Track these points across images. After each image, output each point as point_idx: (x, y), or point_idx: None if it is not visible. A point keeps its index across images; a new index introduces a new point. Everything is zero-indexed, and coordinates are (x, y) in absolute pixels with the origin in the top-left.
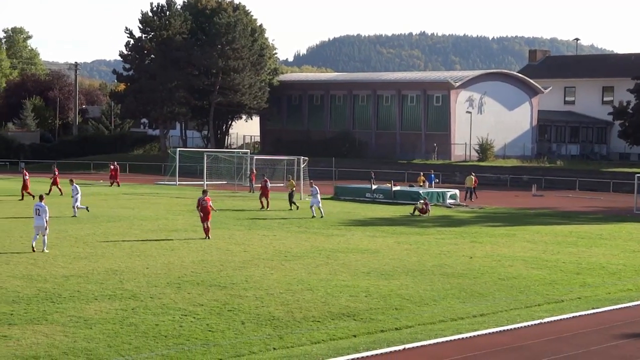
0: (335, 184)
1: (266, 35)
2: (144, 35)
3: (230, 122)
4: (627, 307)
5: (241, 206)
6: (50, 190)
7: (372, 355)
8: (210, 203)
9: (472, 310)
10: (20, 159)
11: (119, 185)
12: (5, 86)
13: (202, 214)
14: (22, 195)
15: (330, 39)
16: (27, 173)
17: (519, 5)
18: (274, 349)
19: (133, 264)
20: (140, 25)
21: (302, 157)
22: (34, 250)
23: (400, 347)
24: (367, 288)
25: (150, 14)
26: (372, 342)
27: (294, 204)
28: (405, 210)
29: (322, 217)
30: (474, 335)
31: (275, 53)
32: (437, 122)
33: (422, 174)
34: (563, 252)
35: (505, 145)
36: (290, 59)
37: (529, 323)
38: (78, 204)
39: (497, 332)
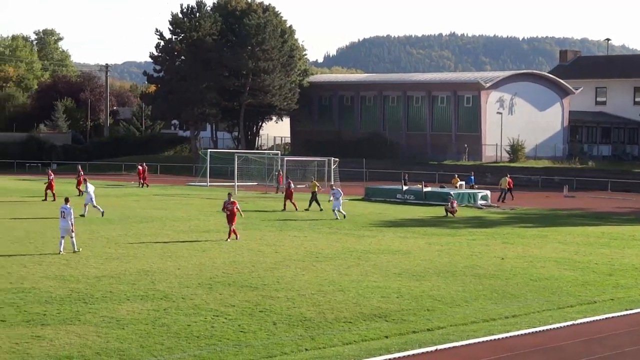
0: (366, 185)
1: (296, 36)
2: (174, 37)
3: (260, 123)
4: None
5: (272, 207)
6: (80, 192)
7: (404, 356)
8: (238, 206)
9: (504, 311)
10: (52, 160)
11: (147, 186)
12: (37, 88)
13: (228, 215)
14: (46, 196)
15: (360, 40)
16: (52, 174)
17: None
18: (306, 349)
19: (165, 264)
20: (170, 27)
21: (333, 158)
22: (60, 253)
23: (432, 348)
24: (399, 289)
25: (180, 15)
26: (403, 343)
27: (318, 204)
28: (436, 211)
29: (337, 218)
30: (506, 337)
31: (305, 54)
32: (468, 123)
33: (456, 175)
34: (595, 253)
35: (536, 146)
36: (320, 60)
37: (562, 324)
38: (93, 202)
39: (529, 333)
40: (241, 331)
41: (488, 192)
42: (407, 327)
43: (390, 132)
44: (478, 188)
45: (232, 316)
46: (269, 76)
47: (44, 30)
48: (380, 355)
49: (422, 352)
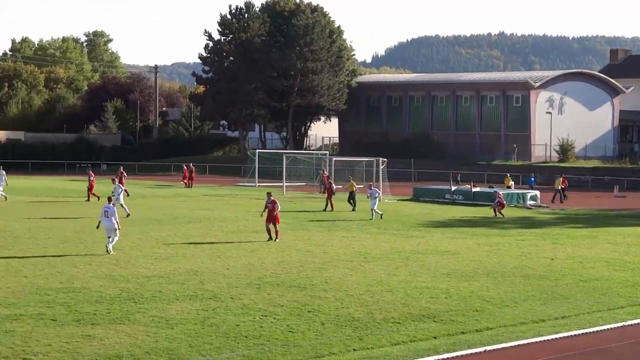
0: (414, 185)
1: (344, 36)
2: (223, 38)
3: (308, 124)
4: None
5: (320, 207)
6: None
7: (452, 357)
8: (277, 205)
9: (554, 312)
10: (101, 161)
11: (190, 187)
12: (87, 89)
13: (269, 216)
14: (89, 197)
15: (409, 40)
16: (92, 174)
17: (600, 4)
18: (354, 350)
19: (214, 264)
20: (219, 28)
21: (381, 159)
22: (108, 252)
23: (481, 349)
24: (447, 289)
25: (229, 16)
26: (452, 344)
27: (351, 203)
28: (485, 211)
29: (374, 217)
30: (556, 338)
31: (354, 54)
32: (517, 122)
33: (508, 175)
34: None
35: (586, 146)
36: (369, 61)
37: (612, 326)
38: (121, 201)
39: (578, 334)
40: (289, 331)
41: (537, 193)
42: (455, 328)
43: (438, 132)
44: (522, 188)
45: (281, 316)
46: (317, 76)
47: (93, 32)
48: (429, 355)
49: (471, 353)
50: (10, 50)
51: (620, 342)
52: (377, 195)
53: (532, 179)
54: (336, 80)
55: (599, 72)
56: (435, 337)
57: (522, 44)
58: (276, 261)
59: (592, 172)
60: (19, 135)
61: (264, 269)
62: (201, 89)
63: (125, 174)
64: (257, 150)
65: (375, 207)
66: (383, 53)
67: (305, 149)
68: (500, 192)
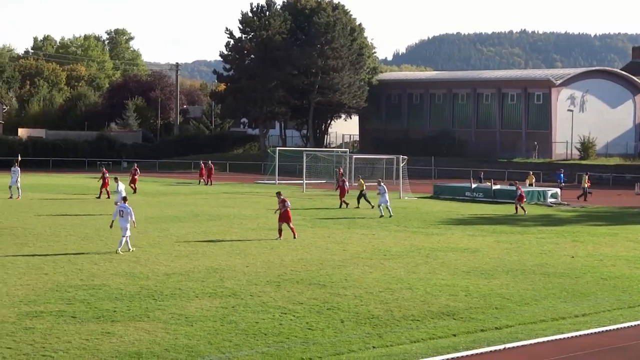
0: (435, 183)
1: (365, 34)
2: (244, 36)
3: (329, 121)
4: None
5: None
6: (134, 189)
7: (472, 354)
8: (287, 203)
9: (574, 310)
10: (122, 158)
11: (205, 184)
12: (108, 87)
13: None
14: (100, 194)
15: (430, 38)
16: (106, 172)
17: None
18: (374, 347)
19: (233, 262)
20: (240, 26)
21: (402, 156)
22: (130, 250)
23: (501, 347)
24: (467, 287)
25: (250, 14)
26: (472, 342)
27: (366, 201)
28: (506, 209)
29: (390, 216)
30: (576, 336)
31: (375, 52)
32: (538, 120)
33: (531, 172)
34: None
35: (607, 144)
36: (390, 58)
37: (632, 323)
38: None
39: (599, 332)
40: (309, 329)
41: (558, 190)
42: (475, 326)
43: (459, 130)
44: (543, 186)
45: (300, 314)
46: (338, 74)
47: (115, 30)
48: (448, 353)
49: (491, 351)
50: (32, 49)
51: None
52: (384, 192)
53: (561, 175)
54: (357, 78)
55: (621, 69)
56: (454, 335)
57: (543, 42)
58: (296, 259)
59: (613, 170)
60: (41, 132)
61: (284, 267)
62: (222, 86)
63: (138, 170)
64: (278, 148)
65: (387, 205)
66: (404, 51)
67: (326, 147)
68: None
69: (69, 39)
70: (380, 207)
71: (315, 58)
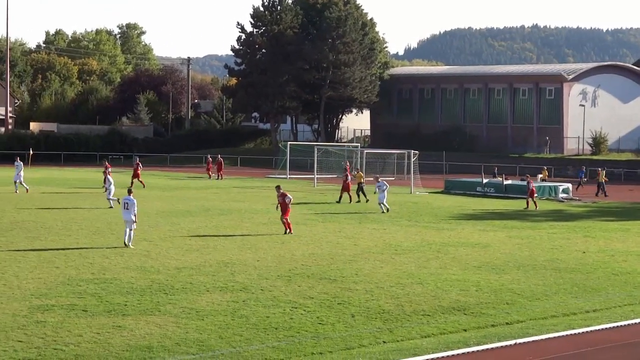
0: (446, 178)
1: (377, 29)
2: (255, 30)
3: (340, 116)
4: None
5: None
6: (135, 182)
7: (482, 349)
8: (288, 198)
9: (585, 305)
10: (133, 152)
11: (210, 178)
12: (119, 81)
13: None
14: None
15: (441, 33)
16: (109, 166)
17: None
18: (384, 342)
19: (244, 256)
20: (251, 20)
21: (413, 151)
22: (126, 245)
23: (512, 342)
24: (478, 282)
25: (261, 8)
26: (482, 337)
27: (364, 195)
28: (517, 204)
29: (382, 212)
30: (587, 331)
31: (386, 47)
32: (550, 115)
33: (545, 168)
34: None
35: (619, 139)
36: (401, 53)
37: None
38: (111, 195)
39: (610, 328)
40: (319, 323)
41: (569, 186)
42: (486, 321)
43: (470, 125)
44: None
45: (311, 308)
46: (349, 69)
47: (127, 24)
48: (459, 348)
49: (501, 346)
50: (44, 43)
51: None
52: (384, 188)
53: (582, 172)
54: (368, 72)
55: (633, 64)
56: (465, 330)
57: (555, 37)
58: (307, 253)
59: (625, 165)
60: (52, 127)
61: (295, 261)
62: (233, 81)
63: (140, 165)
64: (289, 143)
65: (384, 201)
66: (415, 45)
67: (337, 142)
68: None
69: (81, 33)
70: (381, 205)
71: (327, 53)
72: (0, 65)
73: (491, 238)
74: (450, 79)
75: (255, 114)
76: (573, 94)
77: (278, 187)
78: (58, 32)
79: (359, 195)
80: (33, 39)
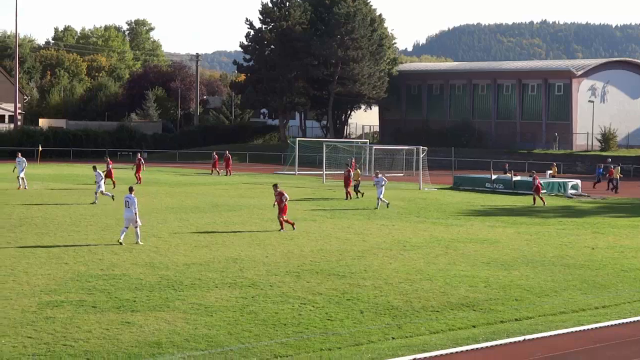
0: (455, 174)
1: (385, 25)
2: (264, 26)
3: (349, 112)
4: None
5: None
6: (139, 180)
7: (491, 346)
8: (284, 197)
9: (594, 301)
10: (142, 149)
11: (226, 174)
12: (128, 77)
13: (278, 207)
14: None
15: (450, 29)
16: (111, 162)
17: None
18: (393, 338)
19: (253, 252)
20: (260, 16)
21: (421, 147)
22: (120, 243)
23: (520, 338)
24: (487, 278)
25: (270, 4)
26: (491, 333)
27: (359, 192)
28: (526, 200)
29: (376, 208)
30: (596, 327)
31: (395, 43)
32: (558, 111)
33: (554, 163)
34: None
35: (628, 135)
36: (410, 49)
37: None
38: (102, 189)
39: (619, 324)
40: (328, 319)
41: (578, 182)
42: (494, 317)
43: (479, 120)
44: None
45: (320, 304)
46: (358, 65)
47: (135, 21)
48: (468, 344)
49: (510, 342)
50: (53, 39)
51: None
52: (383, 183)
53: (601, 170)
54: (377, 68)
55: None
56: (474, 326)
57: (564, 32)
58: (315, 249)
59: (634, 161)
60: (61, 123)
61: (303, 257)
62: (242, 77)
63: (143, 161)
64: (297, 139)
65: (381, 196)
66: (424, 41)
67: (346, 138)
68: (541, 181)
69: (90, 30)
70: (380, 199)
71: (335, 49)
72: (10, 62)
73: (500, 234)
74: (459, 75)
75: (263, 110)
76: (582, 90)
77: (275, 186)
78: (67, 29)
79: (356, 192)
80: (42, 35)
